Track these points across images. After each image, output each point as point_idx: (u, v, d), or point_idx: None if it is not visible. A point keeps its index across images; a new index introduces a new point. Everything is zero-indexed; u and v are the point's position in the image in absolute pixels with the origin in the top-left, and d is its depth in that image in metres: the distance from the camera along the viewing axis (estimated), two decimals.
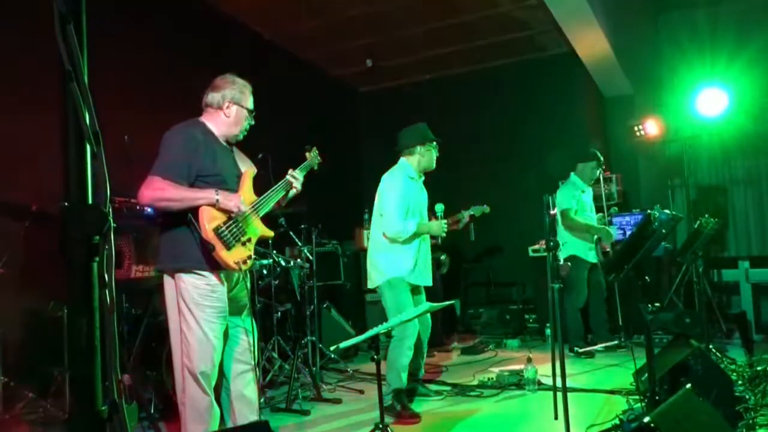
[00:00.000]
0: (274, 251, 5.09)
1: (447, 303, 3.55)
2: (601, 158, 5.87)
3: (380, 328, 2.95)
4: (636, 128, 6.86)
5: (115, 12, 5.20)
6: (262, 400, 4.45)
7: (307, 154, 3.51)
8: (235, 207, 2.80)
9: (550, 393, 3.50)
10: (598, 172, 5.86)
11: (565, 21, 5.79)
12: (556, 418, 3.22)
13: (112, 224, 1.16)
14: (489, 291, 8.19)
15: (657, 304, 3.15)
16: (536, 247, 6.80)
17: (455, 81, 8.56)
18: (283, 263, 5.18)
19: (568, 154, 6.17)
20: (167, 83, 5.40)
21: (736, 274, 7.10)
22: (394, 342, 4.05)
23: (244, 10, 6.62)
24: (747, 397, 3.71)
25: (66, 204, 1.10)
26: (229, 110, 3.01)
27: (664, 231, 3.12)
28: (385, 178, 4.32)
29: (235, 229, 2.82)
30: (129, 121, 4.51)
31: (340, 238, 6.99)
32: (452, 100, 8.44)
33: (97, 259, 1.14)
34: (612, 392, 4.30)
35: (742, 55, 6.56)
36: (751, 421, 3.33)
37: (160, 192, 2.68)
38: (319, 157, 3.54)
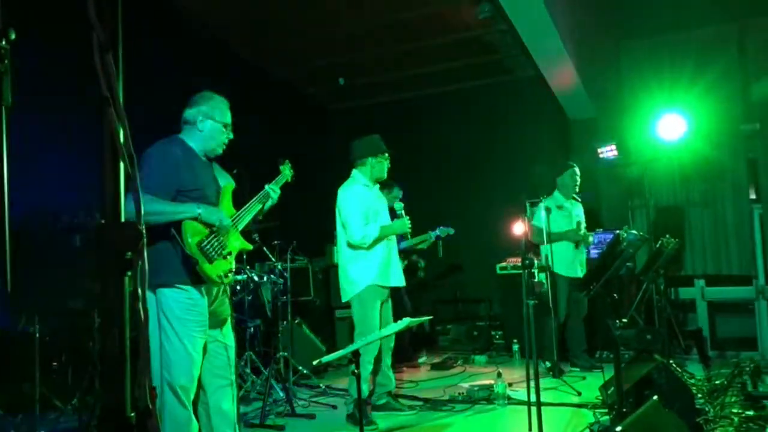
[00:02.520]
0: (248, 267, 5.12)
1: (425, 318, 3.63)
2: (575, 165, 6.01)
3: (359, 343, 3.01)
4: (598, 150, 7.08)
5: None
6: None
7: (281, 167, 3.59)
8: (218, 221, 2.84)
9: (520, 407, 3.60)
10: (577, 178, 5.97)
11: (533, 47, 5.99)
12: (530, 431, 3.31)
13: (144, 241, 1.21)
14: (457, 307, 8.30)
15: (625, 320, 3.29)
16: (504, 264, 6.94)
17: (425, 101, 8.74)
18: (256, 279, 5.20)
19: (549, 173, 6.35)
20: (139, 104, 5.39)
21: (693, 292, 7.38)
22: None
23: (216, 26, 6.67)
24: (706, 409, 3.88)
25: (103, 221, 1.15)
26: (203, 125, 3.05)
27: (631, 251, 3.28)
28: (341, 190, 4.43)
29: (216, 243, 2.86)
30: None
31: (311, 255, 7.03)
32: (422, 120, 8.61)
33: (129, 272, 1.20)
34: (579, 406, 4.43)
35: (701, 82, 6.86)
36: None
37: (142, 207, 2.70)
38: (291, 170, 3.62)
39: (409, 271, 7.20)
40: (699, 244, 7.71)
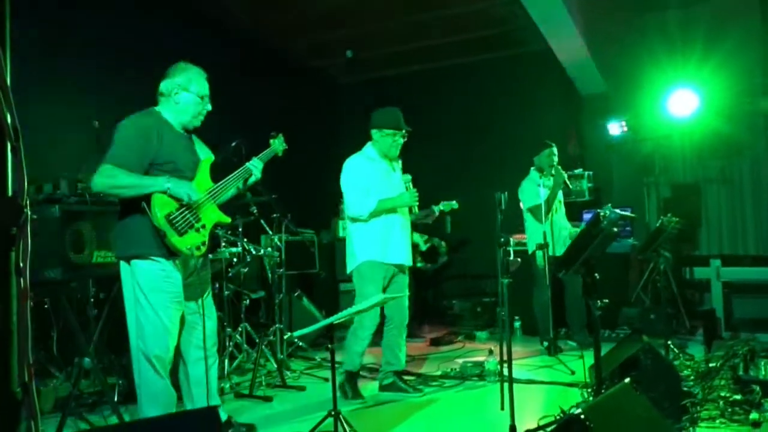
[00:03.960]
0: (245, 239, 5.15)
1: (396, 296, 3.62)
2: (553, 144, 5.85)
3: (333, 318, 3.02)
4: (609, 126, 6.94)
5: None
6: (227, 385, 4.53)
7: (271, 141, 3.55)
8: (185, 195, 2.84)
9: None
10: (555, 158, 5.78)
11: (540, 19, 5.84)
12: (502, 408, 3.30)
13: (29, 216, 1.21)
14: (463, 283, 8.28)
15: (606, 300, 3.23)
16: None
17: (434, 74, 8.63)
18: (253, 251, 5.23)
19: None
20: (138, 70, 5.43)
21: (708, 272, 7.23)
22: (350, 329, 4.18)
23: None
24: (695, 392, 3.82)
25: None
26: (178, 97, 3.04)
27: (615, 230, 3.21)
28: (344, 163, 4.35)
29: (189, 215, 2.87)
30: (98, 107, 4.56)
31: (317, 228, 7.05)
32: (430, 94, 8.50)
33: (13, 249, 1.19)
34: (570, 385, 4.40)
35: (714, 56, 6.64)
36: (695, 415, 3.43)
37: (111, 179, 2.74)
38: (284, 144, 3.58)
39: (431, 254, 7.20)
40: (715, 223, 7.56)
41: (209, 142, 3.42)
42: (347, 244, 4.36)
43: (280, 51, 8.02)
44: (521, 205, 5.82)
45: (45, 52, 4.69)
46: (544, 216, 5.22)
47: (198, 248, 2.90)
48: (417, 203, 4.31)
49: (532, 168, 5.92)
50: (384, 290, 4.19)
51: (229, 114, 6.25)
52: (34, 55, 4.46)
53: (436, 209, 6.09)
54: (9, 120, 1.15)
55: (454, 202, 6.17)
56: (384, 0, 6.81)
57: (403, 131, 4.34)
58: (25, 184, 1.20)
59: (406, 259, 4.34)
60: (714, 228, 7.56)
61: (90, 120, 4.00)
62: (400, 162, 4.49)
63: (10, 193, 1.21)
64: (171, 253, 2.84)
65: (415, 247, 4.70)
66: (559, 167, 5.62)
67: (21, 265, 1.18)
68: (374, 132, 4.34)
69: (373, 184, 4.24)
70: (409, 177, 4.36)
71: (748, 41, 6.92)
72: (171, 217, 2.79)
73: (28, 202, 1.20)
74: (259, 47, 7.69)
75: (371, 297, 4.07)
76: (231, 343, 4.93)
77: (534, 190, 5.65)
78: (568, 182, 5.58)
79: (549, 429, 2.92)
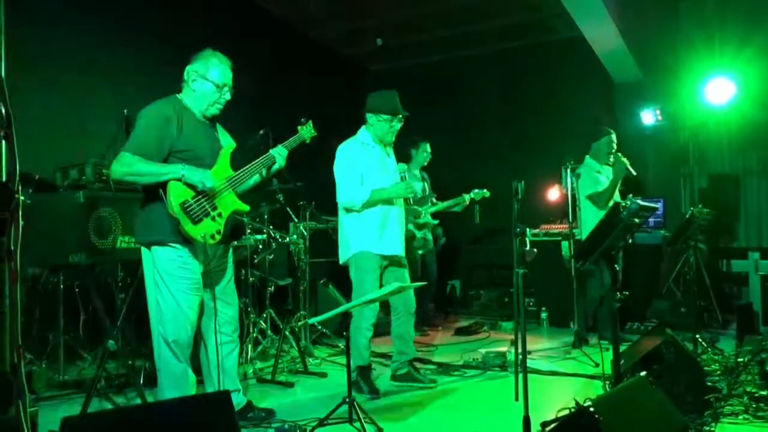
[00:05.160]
0: (271, 227, 5.20)
1: (415, 285, 3.60)
2: (612, 131, 5.69)
3: (347, 306, 3.03)
4: (644, 115, 6.78)
5: None
6: (251, 371, 4.60)
7: (299, 127, 3.52)
8: (200, 182, 2.87)
9: (532, 375, 3.52)
10: (614, 144, 5.63)
11: (572, 7, 5.73)
12: (516, 399, 3.28)
13: (20, 201, 1.24)
14: (492, 273, 8.23)
15: (626, 293, 3.18)
16: (536, 231, 6.75)
17: (465, 62, 8.55)
18: (279, 238, 5.28)
19: (582, 139, 6.05)
20: (171, 60, 5.52)
21: (746, 265, 7.03)
22: (352, 323, 3.96)
23: None
24: (720, 387, 3.74)
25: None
26: (195, 84, 3.07)
27: (637, 221, 3.14)
28: (338, 148, 4.18)
29: (205, 203, 2.91)
30: (130, 95, 4.65)
31: None
32: (462, 82, 8.44)
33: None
34: (593, 377, 4.34)
35: (750, 45, 6.43)
36: (718, 411, 3.36)
37: (128, 167, 2.79)
38: (313, 131, 3.55)
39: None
40: (754, 215, 7.36)
41: (238, 129, 3.42)
42: (340, 233, 4.21)
43: (310, 38, 8.04)
44: (576, 193, 5.58)
45: (75, 38, 4.79)
46: (605, 203, 5.08)
47: (212, 236, 2.93)
48: (411, 195, 4.15)
49: (587, 156, 5.73)
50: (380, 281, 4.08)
51: (260, 101, 6.35)
52: (64, 39, 4.56)
53: (467, 197, 6.06)
54: (3, 109, 1.18)
55: (485, 190, 6.13)
56: None
57: (400, 116, 4.16)
58: (18, 169, 1.23)
59: (400, 250, 4.19)
60: (753, 220, 7.36)
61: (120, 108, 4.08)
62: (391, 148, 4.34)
63: (4, 178, 1.24)
64: (186, 240, 2.89)
65: (411, 239, 4.48)
66: (619, 155, 5.45)
67: (12, 249, 1.22)
68: (370, 116, 4.16)
69: (368, 171, 4.08)
70: (403, 167, 4.22)
71: None
72: (186, 205, 2.83)
73: (19, 187, 1.23)
74: (290, 34, 7.73)
75: (371, 288, 3.94)
76: (255, 329, 5.00)
77: (594, 177, 5.51)
78: (630, 169, 5.37)
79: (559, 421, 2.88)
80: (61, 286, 3.90)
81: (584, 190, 5.54)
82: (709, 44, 6.84)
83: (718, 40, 6.84)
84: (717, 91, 6.13)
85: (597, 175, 5.53)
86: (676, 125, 6.88)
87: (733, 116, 6.71)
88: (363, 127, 4.26)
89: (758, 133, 6.91)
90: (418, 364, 4.55)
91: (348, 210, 4.09)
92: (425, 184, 6.29)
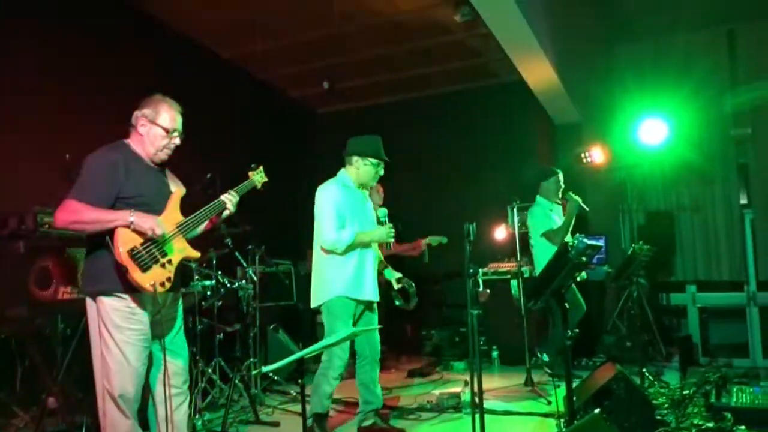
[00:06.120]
0: (219, 272, 5.09)
1: (369, 329, 3.57)
2: (559, 171, 5.84)
3: (303, 353, 2.97)
4: (583, 155, 7.03)
5: (62, 30, 5.24)
6: (199, 423, 4.44)
7: (250, 173, 3.47)
8: (150, 229, 2.80)
9: (488, 415, 3.51)
10: (562, 183, 5.77)
11: (511, 50, 5.94)
12: None
13: None
14: (442, 312, 8.25)
15: (576, 330, 3.24)
16: (485, 270, 6.84)
17: (412, 104, 8.73)
18: (227, 284, 5.17)
19: (531, 177, 6.18)
20: (116, 103, 5.42)
21: (684, 298, 7.31)
22: (320, 370, 3.96)
23: (201, 30, 6.70)
24: (669, 420, 3.82)
25: None
26: (143, 128, 3.01)
27: (584, 259, 3.22)
28: (318, 190, 4.14)
29: (154, 250, 2.83)
30: (72, 140, 4.52)
31: (294, 258, 7.00)
32: (408, 124, 8.55)
33: None
34: (546, 415, 4.38)
35: (686, 87, 6.82)
36: None
37: (74, 215, 2.70)
38: (265, 177, 3.51)
39: (403, 295, 7.13)
40: (689, 250, 7.67)
41: (186, 172, 3.36)
42: (315, 275, 4.14)
43: (259, 80, 8.07)
44: (529, 231, 5.71)
45: (12, 81, 4.67)
46: (561, 240, 5.17)
47: (162, 284, 2.84)
48: (393, 239, 4.15)
49: (537, 195, 5.85)
50: (354, 326, 3.99)
51: (208, 144, 6.28)
52: (6, 84, 4.43)
53: (423, 243, 6.14)
54: None
55: (443, 237, 6.23)
56: (361, 31, 6.89)
57: (383, 161, 4.21)
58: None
59: (375, 295, 4.16)
60: (688, 254, 7.66)
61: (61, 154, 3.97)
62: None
63: None
64: (134, 289, 2.80)
65: (389, 283, 4.48)
66: (571, 193, 5.56)
67: None
68: (356, 159, 4.14)
69: (350, 214, 4.06)
70: (385, 211, 4.21)
71: (716, 72, 7.13)
72: (134, 252, 2.74)
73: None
74: (240, 76, 7.74)
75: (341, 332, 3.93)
76: (204, 379, 4.84)
77: (546, 215, 5.64)
78: (583, 206, 5.47)
79: None
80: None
81: (539, 228, 5.65)
82: (643, 87, 7.19)
83: (651, 83, 7.21)
84: (651, 131, 6.42)
85: (550, 212, 5.68)
86: (613, 164, 7.15)
87: (666, 156, 7.04)
88: (342, 170, 4.24)
89: (690, 171, 7.27)
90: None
91: (328, 252, 4.01)
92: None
